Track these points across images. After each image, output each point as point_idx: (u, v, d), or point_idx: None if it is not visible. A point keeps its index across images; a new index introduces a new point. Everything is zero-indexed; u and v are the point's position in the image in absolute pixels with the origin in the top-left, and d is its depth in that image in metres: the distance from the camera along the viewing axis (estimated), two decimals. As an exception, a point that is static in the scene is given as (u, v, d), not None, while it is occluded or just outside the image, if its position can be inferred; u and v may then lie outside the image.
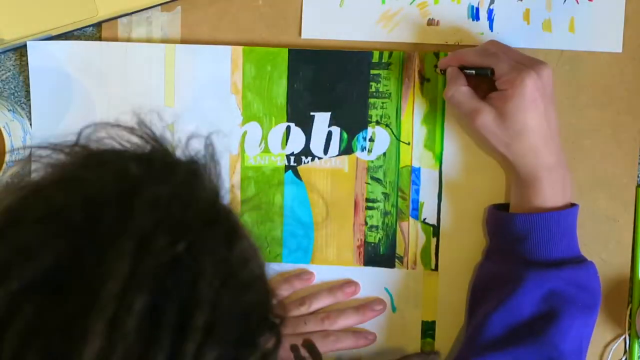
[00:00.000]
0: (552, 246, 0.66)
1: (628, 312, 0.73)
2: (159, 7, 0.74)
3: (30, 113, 0.73)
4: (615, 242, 0.73)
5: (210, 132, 0.45)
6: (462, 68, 0.68)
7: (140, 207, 0.38)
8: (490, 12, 0.73)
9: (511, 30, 0.73)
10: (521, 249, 0.66)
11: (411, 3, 0.73)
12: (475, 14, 0.73)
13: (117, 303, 0.36)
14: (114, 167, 0.41)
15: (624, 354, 0.74)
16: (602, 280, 0.72)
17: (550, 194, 0.66)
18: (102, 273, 0.36)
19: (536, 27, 0.73)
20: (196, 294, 0.37)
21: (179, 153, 0.44)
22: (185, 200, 0.40)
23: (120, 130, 0.44)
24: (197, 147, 0.44)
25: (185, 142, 0.44)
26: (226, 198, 0.44)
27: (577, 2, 0.72)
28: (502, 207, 0.71)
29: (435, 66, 0.72)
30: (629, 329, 0.73)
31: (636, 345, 0.73)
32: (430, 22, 0.73)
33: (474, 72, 0.68)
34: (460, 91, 0.67)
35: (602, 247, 0.73)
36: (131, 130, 0.43)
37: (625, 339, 0.73)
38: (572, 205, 0.68)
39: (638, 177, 0.73)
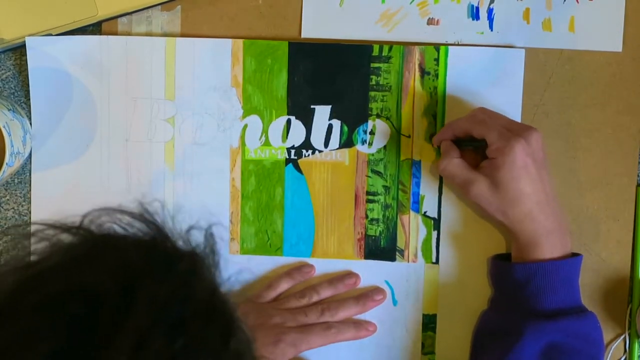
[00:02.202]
0: (550, 296, 0.66)
1: (628, 312, 0.73)
2: (159, 6, 0.74)
3: (30, 113, 0.74)
4: (615, 241, 0.73)
5: (211, 223, 0.45)
6: (457, 140, 0.69)
7: (139, 304, 0.37)
8: (490, 12, 0.73)
9: (511, 30, 0.73)
10: (521, 298, 0.67)
11: (411, 2, 0.73)
12: (475, 13, 0.73)
13: None
14: (116, 258, 0.40)
15: (624, 354, 0.74)
16: (602, 280, 0.73)
17: (550, 252, 0.66)
18: None
19: (536, 26, 0.73)
20: None
21: (179, 242, 0.43)
22: (184, 298, 0.39)
23: (123, 215, 0.43)
24: (197, 238, 0.44)
25: (186, 232, 0.44)
26: (224, 287, 0.44)
27: (577, 2, 0.72)
28: (504, 257, 0.71)
29: (431, 136, 0.72)
30: (629, 328, 0.73)
31: (636, 345, 0.73)
32: (430, 22, 0.73)
33: (471, 147, 0.69)
34: (453, 163, 0.68)
35: (602, 246, 0.73)
36: (134, 216, 0.43)
37: (625, 338, 0.73)
38: (574, 255, 0.68)
39: (638, 176, 0.73)
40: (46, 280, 0.39)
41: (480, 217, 0.72)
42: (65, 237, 0.42)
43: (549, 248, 0.66)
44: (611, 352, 0.73)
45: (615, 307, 0.73)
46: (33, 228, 0.42)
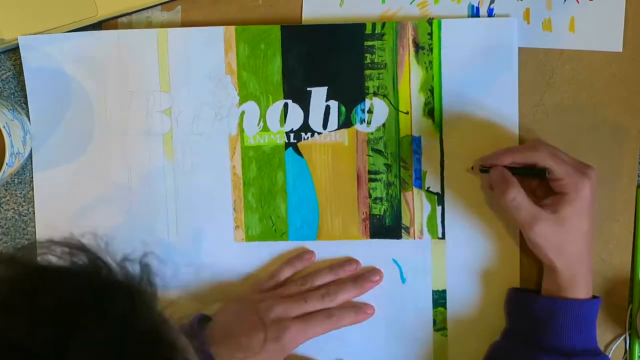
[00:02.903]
0: (570, 335, 0.66)
1: (628, 312, 0.73)
2: (159, 7, 0.74)
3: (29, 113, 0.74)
4: (615, 242, 0.73)
5: (146, 252, 0.43)
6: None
7: (74, 354, 0.36)
8: (490, 12, 0.73)
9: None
10: (539, 333, 0.66)
11: (411, 2, 0.73)
12: (475, 13, 0.73)
13: None
14: (49, 299, 0.38)
15: (624, 354, 0.73)
16: (602, 280, 0.73)
17: (582, 293, 0.66)
18: None
19: (536, 26, 0.73)
20: None
21: (115, 273, 0.41)
22: (121, 339, 0.37)
23: (58, 247, 0.41)
24: (132, 268, 0.42)
25: (121, 262, 0.42)
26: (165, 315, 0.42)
27: (578, 2, 0.72)
28: (523, 291, 0.71)
29: (473, 167, 0.71)
30: (629, 329, 0.73)
31: (637, 345, 0.73)
32: (429, 20, 0.72)
33: (528, 172, 0.67)
34: (522, 196, 0.65)
35: (602, 247, 0.73)
36: (70, 246, 0.41)
37: (625, 338, 0.73)
38: (595, 297, 0.68)
39: (638, 177, 0.73)
40: None
41: (531, 249, 0.70)
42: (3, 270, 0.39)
43: (583, 289, 0.66)
44: (611, 352, 0.73)
45: (616, 308, 0.73)
46: None
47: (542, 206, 0.66)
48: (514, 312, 0.71)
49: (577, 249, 0.66)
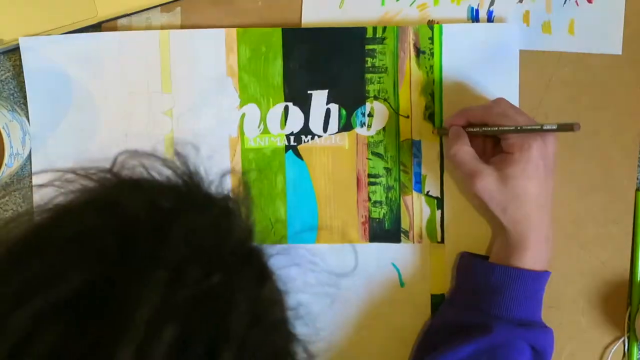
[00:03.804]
0: (525, 305, 0.65)
1: (627, 315, 0.73)
2: (159, 8, 0.74)
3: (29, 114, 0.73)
4: (614, 244, 0.73)
5: (249, 169, 0.45)
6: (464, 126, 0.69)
7: (176, 235, 0.37)
8: (490, 14, 0.73)
9: (511, 32, 0.73)
10: (492, 301, 0.66)
11: (411, 4, 0.73)
12: (475, 16, 0.73)
13: (147, 332, 0.34)
14: (150, 194, 0.40)
15: (623, 357, 0.74)
16: (601, 283, 0.74)
17: (532, 261, 0.66)
18: (133, 301, 0.35)
19: (536, 28, 0.73)
20: (226, 329, 0.37)
21: (213, 189, 0.43)
22: (220, 235, 0.39)
23: (154, 160, 0.42)
24: (230, 185, 0.44)
25: (220, 178, 0.44)
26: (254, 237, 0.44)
27: (577, 4, 0.72)
28: (476, 257, 0.71)
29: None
30: (628, 331, 0.73)
31: (635, 348, 0.73)
32: (430, 24, 0.73)
33: (479, 129, 0.67)
34: (464, 150, 0.66)
35: (602, 249, 0.73)
36: (165, 161, 0.42)
37: (624, 341, 0.74)
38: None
39: (638, 179, 0.73)
40: (80, 215, 0.39)
41: (475, 209, 0.72)
42: (93, 183, 0.42)
43: (534, 255, 0.65)
44: (610, 355, 0.73)
45: (615, 310, 0.74)
46: (59, 176, 0.43)
47: (488, 164, 0.66)
48: (464, 278, 0.70)
49: (523, 212, 0.65)
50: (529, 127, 0.63)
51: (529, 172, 0.64)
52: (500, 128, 0.65)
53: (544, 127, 0.62)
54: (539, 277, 0.66)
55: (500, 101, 0.67)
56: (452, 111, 0.72)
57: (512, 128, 0.64)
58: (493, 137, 0.68)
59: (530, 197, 0.64)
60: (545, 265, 0.67)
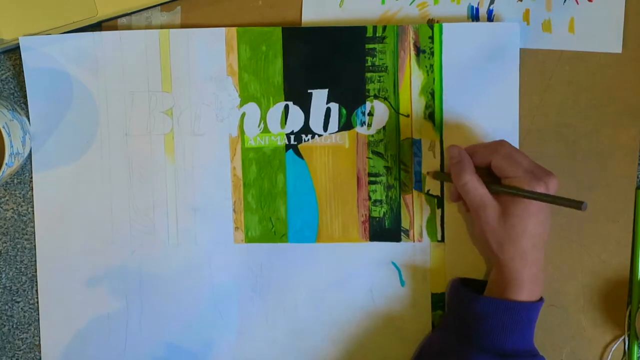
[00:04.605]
0: (509, 336, 0.65)
1: (627, 313, 0.74)
2: (159, 7, 0.74)
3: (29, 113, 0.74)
4: (614, 243, 0.73)
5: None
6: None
7: None
8: (490, 12, 0.73)
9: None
10: (477, 330, 0.66)
11: (411, 3, 0.73)
12: (475, 14, 0.73)
13: None
14: None
15: (623, 356, 0.74)
16: (601, 282, 0.74)
17: (525, 296, 0.66)
18: None
19: (536, 27, 0.73)
20: None
21: None
22: None
23: None
24: None
25: None
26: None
27: (577, 3, 0.72)
28: (466, 282, 0.71)
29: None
30: (629, 330, 0.74)
31: (635, 347, 0.73)
32: (430, 23, 0.73)
33: (500, 188, 0.66)
34: (474, 180, 0.67)
35: (602, 248, 0.73)
36: None
37: (624, 340, 0.74)
38: (539, 299, 0.67)
39: (638, 178, 0.73)
40: None
41: (474, 244, 0.73)
42: None
43: (527, 292, 0.66)
44: (611, 353, 0.74)
45: (615, 309, 0.74)
46: None
47: (494, 196, 0.67)
48: (453, 304, 0.71)
49: (519, 249, 0.65)
50: (544, 196, 0.64)
51: (530, 212, 0.65)
52: (519, 191, 0.65)
53: (556, 200, 0.63)
54: (526, 307, 0.66)
55: (504, 143, 0.68)
56: (452, 111, 0.72)
57: (529, 194, 0.64)
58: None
59: (527, 236, 0.65)
60: (537, 295, 0.67)
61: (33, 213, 0.74)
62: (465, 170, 0.67)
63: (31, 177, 0.74)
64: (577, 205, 0.61)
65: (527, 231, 0.65)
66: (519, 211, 0.65)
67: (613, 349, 0.74)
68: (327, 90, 0.73)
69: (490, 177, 0.68)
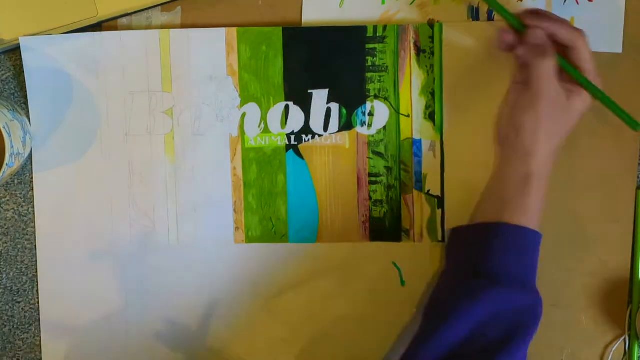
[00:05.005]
0: (503, 259, 0.65)
1: (628, 313, 0.74)
2: (159, 8, 0.74)
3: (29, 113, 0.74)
4: (615, 243, 0.74)
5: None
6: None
7: None
8: (490, 13, 0.73)
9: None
10: (473, 259, 0.66)
11: (411, 3, 0.73)
12: (475, 15, 0.73)
13: None
14: None
15: (624, 355, 0.74)
16: (602, 282, 0.74)
17: (539, 167, 0.65)
18: None
19: None
20: None
21: None
22: None
23: None
24: None
25: None
26: None
27: (577, 3, 0.72)
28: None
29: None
30: (629, 329, 0.74)
31: (636, 346, 0.73)
32: (431, 23, 0.73)
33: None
34: (552, 69, 0.65)
35: (602, 247, 0.74)
36: None
37: (625, 339, 0.74)
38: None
39: (638, 177, 0.73)
40: None
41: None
42: None
43: (542, 187, 0.65)
44: (611, 353, 0.74)
45: (615, 309, 0.74)
46: None
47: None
48: (449, 249, 0.71)
49: (556, 141, 0.66)
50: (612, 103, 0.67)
51: (580, 112, 0.67)
52: (596, 92, 0.67)
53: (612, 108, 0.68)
54: (520, 231, 0.65)
55: (584, 33, 0.67)
56: (452, 111, 0.72)
57: (601, 95, 0.67)
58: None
59: (568, 131, 0.67)
60: (535, 220, 0.66)
61: (34, 213, 0.74)
62: (547, 56, 0.65)
63: (32, 178, 0.74)
64: (635, 125, 0.65)
65: (570, 125, 0.67)
66: (577, 107, 0.67)
67: (614, 349, 0.74)
68: (327, 90, 0.73)
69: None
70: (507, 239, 0.65)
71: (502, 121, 0.69)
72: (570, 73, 0.67)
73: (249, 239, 0.74)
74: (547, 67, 0.65)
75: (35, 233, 0.74)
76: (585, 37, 0.67)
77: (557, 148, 0.66)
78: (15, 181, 0.74)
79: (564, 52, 0.67)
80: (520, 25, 0.67)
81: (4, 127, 0.66)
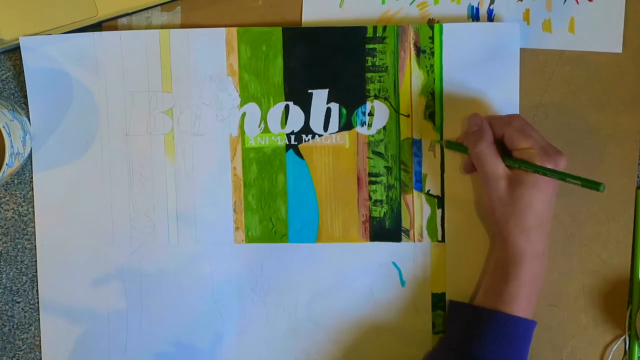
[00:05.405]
0: (499, 347, 0.66)
1: (628, 313, 0.74)
2: (159, 7, 0.74)
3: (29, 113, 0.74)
4: (615, 242, 0.73)
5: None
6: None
7: None
8: (490, 12, 0.73)
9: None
10: (468, 341, 0.67)
11: (411, 3, 0.73)
12: (475, 14, 0.73)
13: None
14: None
15: (624, 355, 0.74)
16: (602, 282, 0.74)
17: (527, 272, 0.66)
18: None
19: (536, 27, 0.73)
20: None
21: None
22: None
23: None
24: None
25: None
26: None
27: (577, 2, 0.72)
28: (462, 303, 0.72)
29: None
30: (629, 329, 0.74)
31: (636, 346, 0.73)
32: (431, 23, 0.73)
33: (517, 164, 0.66)
34: (492, 149, 0.67)
35: (602, 247, 0.74)
36: None
37: (625, 339, 0.74)
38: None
39: (638, 177, 0.73)
40: None
41: (477, 212, 0.73)
42: None
43: (528, 268, 0.66)
44: (611, 353, 0.74)
45: (615, 309, 0.74)
46: None
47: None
48: (450, 321, 0.71)
49: (524, 224, 0.66)
50: (564, 175, 0.64)
51: (539, 185, 0.65)
52: (535, 168, 0.65)
53: (567, 179, 0.64)
54: (518, 322, 0.66)
55: (518, 117, 0.68)
56: (452, 111, 0.72)
57: (548, 171, 0.65)
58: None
59: (533, 211, 0.65)
60: (539, 282, 0.67)
61: (33, 213, 0.74)
62: (483, 138, 0.67)
63: (31, 177, 0.74)
64: (595, 185, 0.61)
65: (534, 206, 0.65)
66: (528, 184, 0.65)
67: (613, 349, 0.74)
68: (327, 90, 0.73)
69: (503, 150, 0.68)
70: (499, 328, 0.66)
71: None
72: (511, 164, 0.67)
73: (249, 239, 0.74)
74: (483, 148, 0.67)
75: (35, 233, 0.74)
76: (516, 120, 0.67)
77: (536, 229, 0.66)
78: (15, 181, 0.74)
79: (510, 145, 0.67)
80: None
81: (3, 127, 0.66)
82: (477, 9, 0.73)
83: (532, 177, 0.65)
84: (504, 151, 0.68)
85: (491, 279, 0.69)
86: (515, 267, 0.66)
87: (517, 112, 0.72)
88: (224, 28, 0.73)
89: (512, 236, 0.66)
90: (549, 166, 0.65)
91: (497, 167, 0.67)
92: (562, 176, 0.64)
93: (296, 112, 0.73)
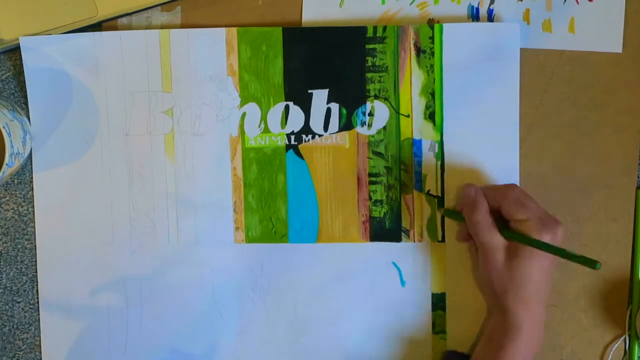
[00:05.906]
0: None
1: (628, 313, 0.74)
2: (159, 7, 0.74)
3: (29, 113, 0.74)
4: (615, 242, 0.74)
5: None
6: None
7: None
8: (490, 12, 0.73)
9: (511, 32, 0.73)
10: None
11: (411, 3, 0.73)
12: (475, 14, 0.73)
13: None
14: None
15: (624, 355, 0.74)
16: (602, 282, 0.74)
17: (523, 342, 0.66)
18: None
19: (536, 27, 0.73)
20: None
21: None
22: None
23: None
24: None
25: None
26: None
27: (577, 2, 0.72)
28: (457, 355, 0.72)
29: (443, 209, 0.73)
30: (629, 329, 0.74)
31: (636, 346, 0.73)
32: (431, 23, 0.73)
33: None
34: (488, 220, 0.66)
35: (602, 247, 0.74)
36: None
37: (625, 339, 0.74)
38: None
39: (638, 177, 0.73)
40: None
41: (475, 281, 0.72)
42: None
43: (525, 337, 0.65)
44: (611, 353, 0.74)
45: (615, 309, 0.74)
46: None
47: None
48: None
49: (522, 295, 0.65)
50: (560, 250, 0.63)
51: (537, 257, 0.64)
52: (532, 242, 0.64)
53: (564, 256, 0.63)
54: None
55: (514, 187, 0.67)
56: (452, 111, 0.72)
57: (545, 246, 0.64)
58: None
59: (532, 283, 0.65)
60: (533, 352, 0.66)
61: (33, 213, 0.74)
62: (479, 210, 0.67)
63: (31, 177, 0.74)
64: (592, 264, 0.60)
65: (532, 277, 0.65)
66: (525, 256, 0.64)
67: (614, 349, 0.74)
68: (327, 90, 0.73)
69: (500, 220, 0.67)
70: None
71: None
72: (508, 237, 0.66)
73: (249, 239, 0.74)
74: (479, 220, 0.66)
75: (35, 233, 0.74)
76: (512, 190, 0.66)
77: (535, 298, 0.65)
78: (15, 181, 0.74)
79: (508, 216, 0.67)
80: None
81: (3, 127, 0.66)
82: (477, 9, 0.73)
83: (530, 248, 0.64)
84: (503, 221, 0.67)
85: (488, 346, 0.68)
86: (513, 335, 0.66)
87: (517, 111, 0.72)
88: (224, 28, 0.73)
89: (511, 305, 0.65)
90: (547, 237, 0.64)
91: (493, 238, 0.66)
92: (558, 252, 0.63)
93: (296, 112, 0.73)
